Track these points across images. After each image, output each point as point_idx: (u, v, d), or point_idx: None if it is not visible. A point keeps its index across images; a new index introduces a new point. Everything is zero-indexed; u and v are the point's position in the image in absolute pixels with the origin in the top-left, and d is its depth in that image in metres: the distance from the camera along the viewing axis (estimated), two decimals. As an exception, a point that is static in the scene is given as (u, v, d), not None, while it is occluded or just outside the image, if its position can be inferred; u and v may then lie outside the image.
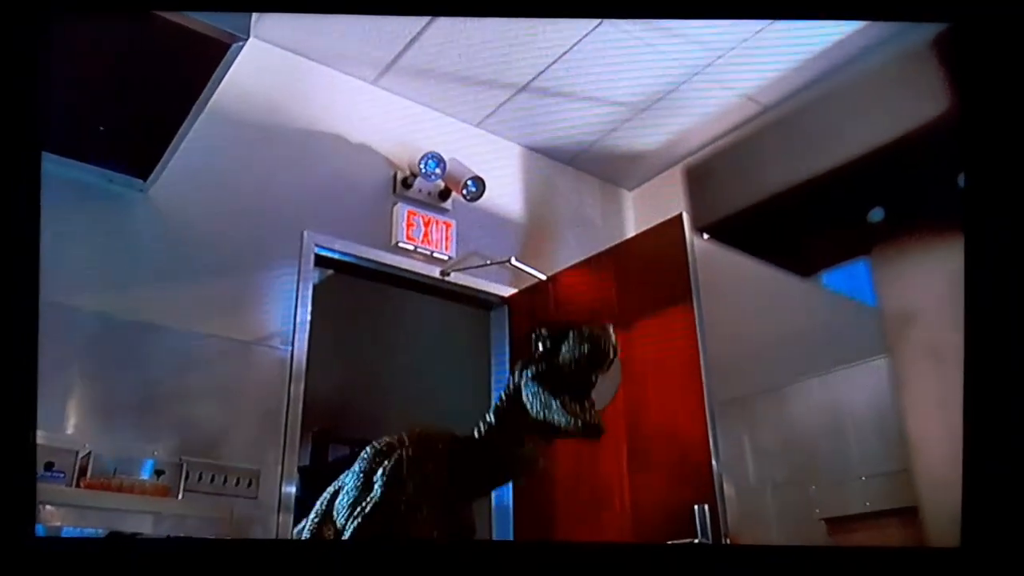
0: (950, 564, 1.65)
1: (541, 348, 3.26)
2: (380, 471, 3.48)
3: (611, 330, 3.20)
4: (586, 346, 3.15)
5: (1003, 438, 1.63)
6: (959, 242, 1.74)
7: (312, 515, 3.73)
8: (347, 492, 3.55)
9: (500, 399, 3.37)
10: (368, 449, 3.64)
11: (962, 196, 1.77)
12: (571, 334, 3.19)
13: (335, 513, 3.55)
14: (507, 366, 5.13)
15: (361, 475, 3.54)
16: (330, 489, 3.77)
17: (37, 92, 1.75)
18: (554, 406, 3.17)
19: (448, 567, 1.79)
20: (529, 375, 3.22)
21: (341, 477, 3.72)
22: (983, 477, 1.61)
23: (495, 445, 3.35)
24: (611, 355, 3.18)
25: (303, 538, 3.72)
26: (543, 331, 3.29)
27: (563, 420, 3.16)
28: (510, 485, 4.81)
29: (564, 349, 3.18)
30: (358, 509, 3.41)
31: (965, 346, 1.67)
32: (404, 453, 3.47)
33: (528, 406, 3.21)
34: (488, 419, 3.41)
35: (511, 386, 3.33)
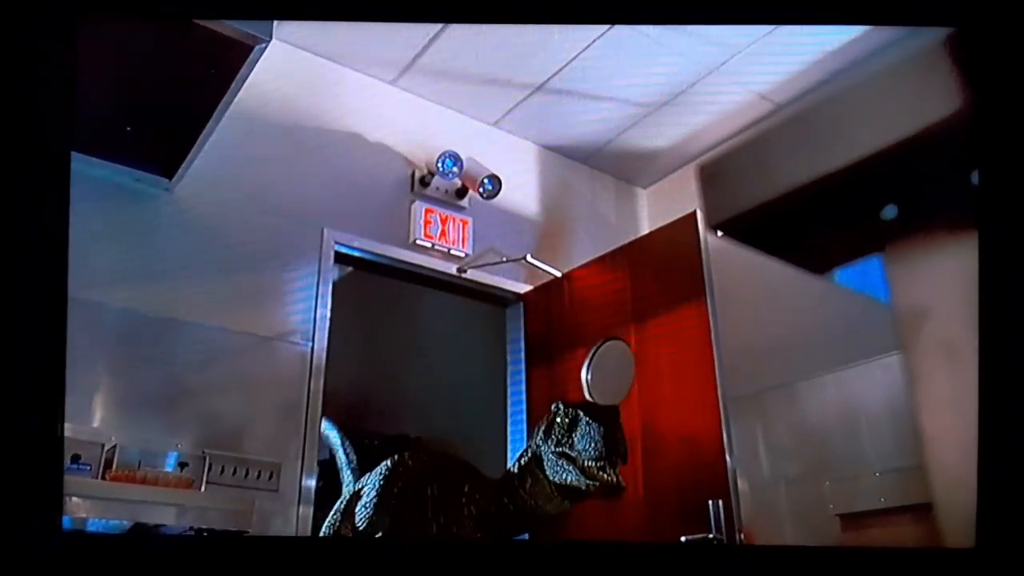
0: (966, 565, 1.66)
1: (558, 422, 3.39)
2: (400, 499, 3.57)
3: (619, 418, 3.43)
4: (599, 439, 3.29)
5: (1018, 438, 1.64)
6: (972, 239, 1.76)
7: (333, 512, 3.82)
8: (365, 505, 3.63)
9: (520, 460, 3.54)
10: (389, 463, 3.72)
11: (976, 194, 1.79)
12: (582, 424, 3.33)
13: (356, 517, 3.63)
14: (523, 362, 5.17)
15: (381, 492, 3.61)
16: (351, 489, 3.84)
17: (67, 93, 1.80)
18: (574, 473, 3.31)
19: (465, 565, 1.81)
20: (551, 448, 3.39)
21: (362, 480, 3.80)
22: (998, 479, 1.62)
23: (519, 498, 3.46)
24: (622, 448, 3.34)
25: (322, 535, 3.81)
26: (563, 409, 3.40)
27: (583, 484, 3.31)
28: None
29: (577, 441, 3.32)
30: (378, 533, 3.50)
31: (979, 345, 1.68)
32: (429, 491, 3.56)
33: (548, 472, 3.38)
34: (511, 470, 3.54)
35: (531, 451, 3.49)
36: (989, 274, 1.70)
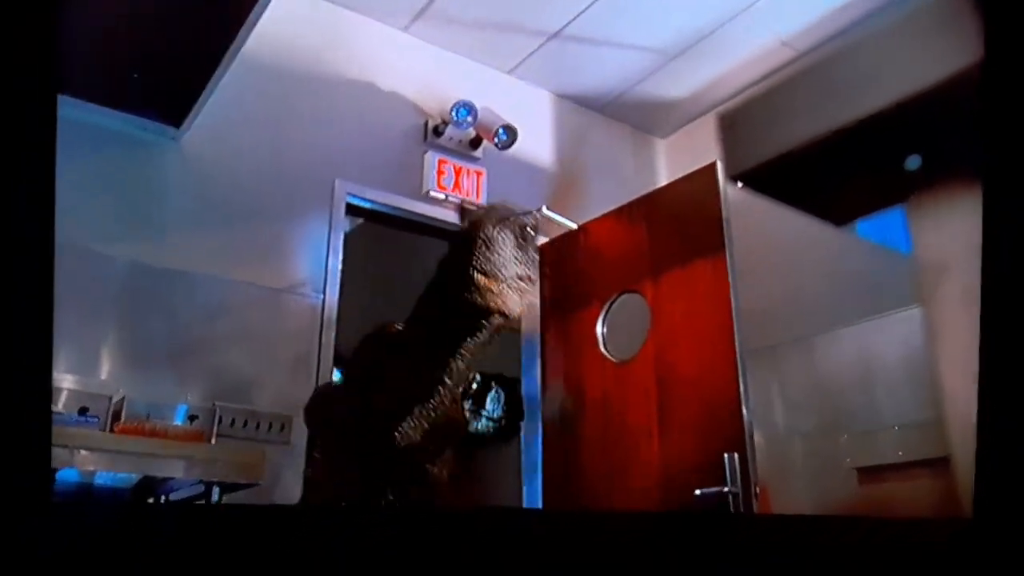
0: (963, 536, 1.62)
1: (474, 388, 4.07)
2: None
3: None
4: (502, 403, 4.16)
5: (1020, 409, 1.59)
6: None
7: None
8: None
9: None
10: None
11: (981, 150, 1.73)
12: (492, 392, 4.15)
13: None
14: (537, 316, 5.13)
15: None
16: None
17: (54, 29, 1.70)
18: (482, 423, 4.02)
19: (453, 536, 1.75)
20: (467, 406, 4.02)
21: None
22: (997, 452, 1.58)
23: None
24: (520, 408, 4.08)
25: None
26: (479, 378, 4.06)
27: (487, 429, 4.07)
28: (540, 441, 4.84)
29: (488, 402, 4.20)
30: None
31: (981, 321, 1.63)
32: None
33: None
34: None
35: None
36: (994, 235, 1.63)
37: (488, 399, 3.98)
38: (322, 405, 3.44)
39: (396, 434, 3.04)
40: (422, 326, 3.39)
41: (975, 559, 1.57)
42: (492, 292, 3.18)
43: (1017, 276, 1.59)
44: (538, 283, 3.38)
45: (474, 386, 4.05)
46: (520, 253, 3.25)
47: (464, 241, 3.24)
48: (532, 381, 4.99)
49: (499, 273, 3.19)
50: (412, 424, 3.06)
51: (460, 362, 3.24)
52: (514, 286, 3.22)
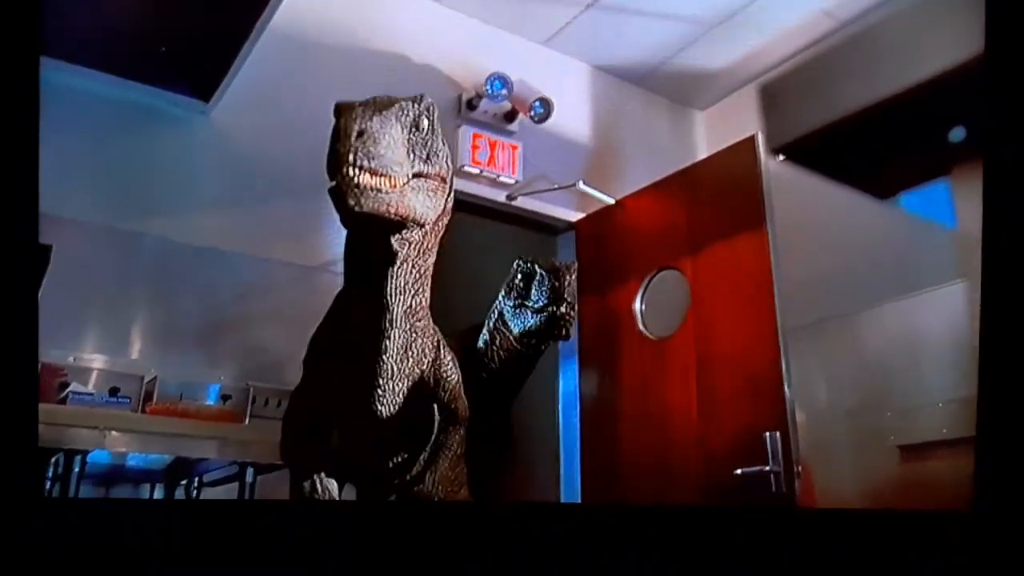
0: (961, 528, 1.58)
1: (518, 279, 3.74)
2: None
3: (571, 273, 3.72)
4: (549, 288, 3.61)
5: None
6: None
7: None
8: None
9: (488, 323, 3.84)
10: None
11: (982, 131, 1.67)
12: (536, 278, 3.68)
13: None
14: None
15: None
16: None
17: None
18: (530, 318, 3.65)
19: (464, 530, 1.71)
20: (510, 303, 3.73)
21: None
22: (997, 442, 1.53)
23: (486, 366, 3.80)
24: (569, 296, 3.65)
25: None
26: (521, 264, 3.77)
27: (538, 321, 3.63)
28: (578, 420, 4.80)
29: (533, 292, 3.66)
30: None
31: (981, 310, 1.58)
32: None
33: (511, 326, 3.72)
34: (484, 339, 3.83)
35: (497, 311, 3.82)
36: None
37: (533, 288, 3.62)
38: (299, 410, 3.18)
39: (377, 405, 2.73)
40: (348, 281, 2.99)
41: (973, 552, 1.54)
42: (383, 192, 2.37)
43: (1018, 268, 1.54)
44: (452, 182, 2.68)
45: (518, 278, 3.66)
46: (419, 148, 2.53)
47: (333, 136, 2.45)
48: (569, 359, 4.96)
49: (389, 169, 2.37)
50: (392, 388, 2.74)
51: (393, 297, 2.72)
52: (416, 186, 2.48)
